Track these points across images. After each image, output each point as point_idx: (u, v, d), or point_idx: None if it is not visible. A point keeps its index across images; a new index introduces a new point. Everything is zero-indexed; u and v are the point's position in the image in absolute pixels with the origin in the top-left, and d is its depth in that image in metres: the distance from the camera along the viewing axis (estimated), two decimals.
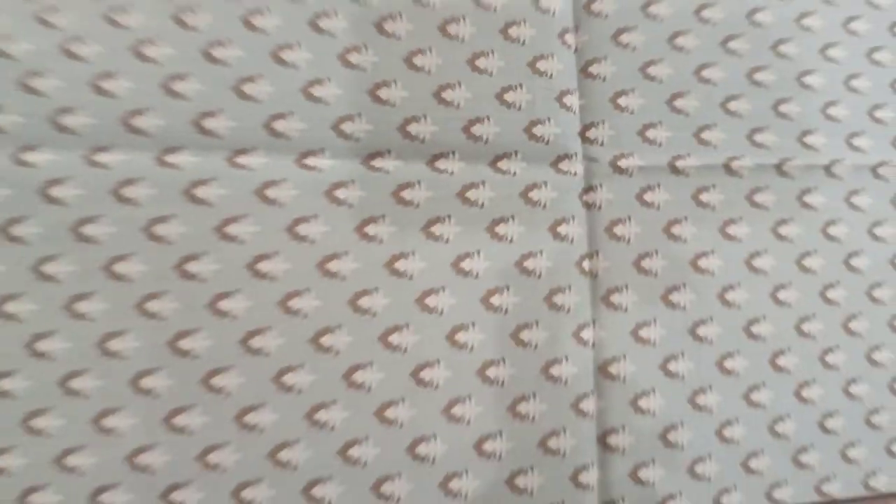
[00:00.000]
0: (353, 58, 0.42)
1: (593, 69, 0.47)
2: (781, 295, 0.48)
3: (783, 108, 0.49)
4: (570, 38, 0.46)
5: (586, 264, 0.45)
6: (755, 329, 0.47)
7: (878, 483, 0.48)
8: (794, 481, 0.47)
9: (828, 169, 0.49)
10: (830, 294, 0.49)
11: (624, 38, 0.48)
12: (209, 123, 0.40)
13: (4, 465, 0.35)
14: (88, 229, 0.38)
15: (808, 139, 0.49)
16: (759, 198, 0.48)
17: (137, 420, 0.37)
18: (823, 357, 0.48)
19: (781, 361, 0.47)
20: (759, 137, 0.49)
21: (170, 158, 0.39)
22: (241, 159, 0.40)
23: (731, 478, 0.46)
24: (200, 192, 0.39)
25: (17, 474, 0.35)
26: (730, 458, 0.46)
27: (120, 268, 0.37)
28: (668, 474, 0.44)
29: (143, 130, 0.38)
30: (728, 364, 0.46)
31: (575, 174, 0.46)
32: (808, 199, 0.49)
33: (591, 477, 0.43)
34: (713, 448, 0.45)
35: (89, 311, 0.37)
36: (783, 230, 0.48)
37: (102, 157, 0.38)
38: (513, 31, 0.46)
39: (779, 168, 0.49)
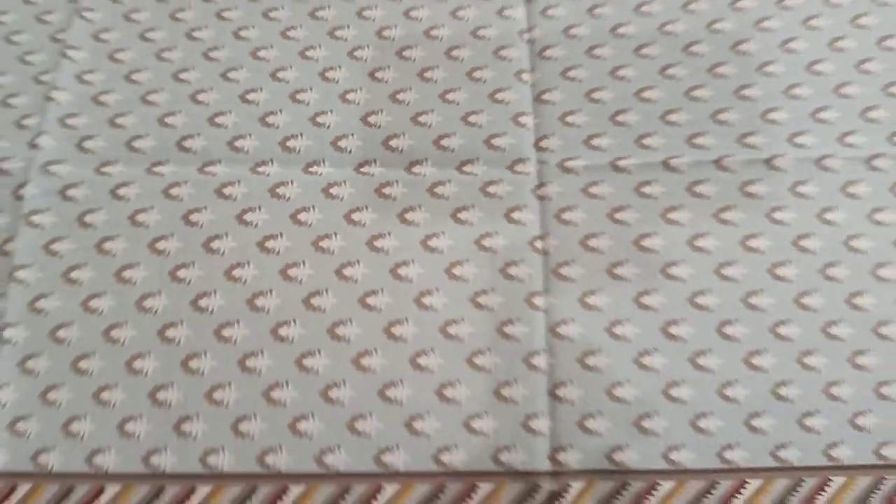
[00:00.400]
0: (350, 96, 0.57)
1: (545, 97, 0.58)
2: (726, 271, 0.52)
3: (722, 116, 0.57)
4: (525, 76, 0.58)
5: (538, 244, 0.53)
6: (700, 300, 0.52)
7: (840, 453, 0.49)
8: (746, 445, 0.49)
9: (769, 162, 0.55)
10: (779, 271, 0.52)
11: (571, 73, 0.59)
12: (239, 143, 0.55)
13: (53, 398, 0.47)
14: (141, 217, 0.52)
15: (748, 139, 0.56)
16: (699, 189, 0.55)
17: (159, 363, 0.48)
18: (775, 328, 0.51)
19: (729, 330, 0.51)
20: (698, 140, 0.56)
21: (207, 168, 0.54)
22: (261, 168, 0.54)
23: (680, 436, 0.48)
24: (227, 190, 0.53)
25: (62, 406, 0.47)
26: (678, 416, 0.49)
27: (161, 245, 0.52)
28: (615, 426, 0.48)
29: (189, 149, 0.54)
30: (673, 330, 0.51)
31: (528, 174, 0.55)
32: (750, 189, 0.55)
33: (542, 424, 0.49)
34: (660, 406, 0.49)
35: (133, 276, 0.51)
36: (726, 215, 0.54)
37: (159, 169, 0.54)
38: (477, 74, 0.58)
39: (718, 163, 0.55)
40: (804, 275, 0.52)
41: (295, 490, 0.46)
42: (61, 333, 0.49)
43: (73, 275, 0.50)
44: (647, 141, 0.55)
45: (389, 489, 0.46)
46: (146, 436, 0.47)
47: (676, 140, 0.55)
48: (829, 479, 0.49)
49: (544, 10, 0.60)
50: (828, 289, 0.51)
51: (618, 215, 0.53)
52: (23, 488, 0.46)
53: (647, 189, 0.54)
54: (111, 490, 0.46)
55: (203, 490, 0.46)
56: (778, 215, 0.53)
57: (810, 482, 0.49)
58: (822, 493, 0.49)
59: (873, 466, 0.49)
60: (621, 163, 0.55)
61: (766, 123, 0.56)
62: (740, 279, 0.52)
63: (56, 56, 0.56)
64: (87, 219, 0.52)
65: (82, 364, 0.48)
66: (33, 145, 0.53)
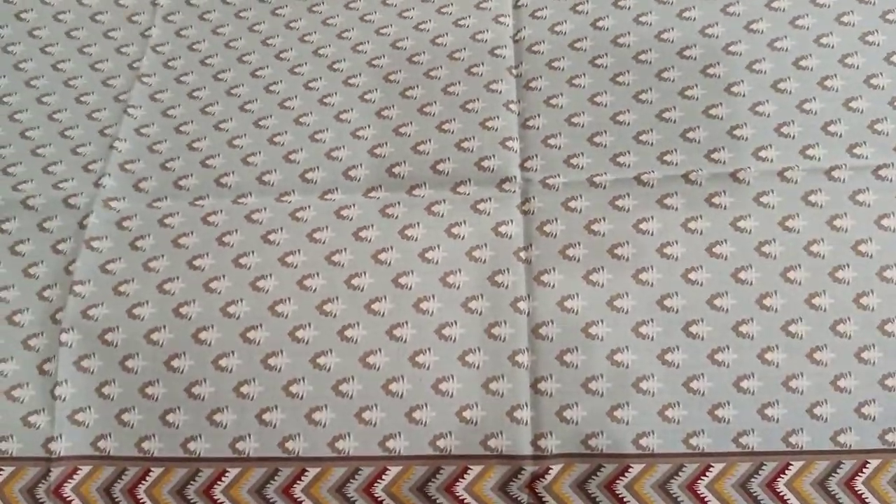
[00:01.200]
0: (360, 133, 0.63)
1: (530, 123, 0.63)
2: (692, 276, 0.56)
3: (691, 134, 0.60)
4: (513, 106, 0.63)
5: (522, 254, 0.58)
6: (667, 302, 0.55)
7: (798, 440, 0.52)
8: (710, 432, 0.52)
9: (733, 175, 0.59)
10: (742, 275, 0.56)
11: (553, 101, 0.63)
12: (266, 178, 0.62)
13: (107, 392, 0.54)
14: (183, 240, 0.60)
15: (715, 155, 0.59)
16: (668, 201, 0.58)
17: (193, 362, 0.55)
18: (737, 327, 0.55)
19: (694, 329, 0.55)
20: (667, 157, 0.60)
21: (241, 200, 0.61)
22: (284, 198, 0.60)
23: (649, 424, 0.52)
24: (255, 216, 0.60)
25: (114, 399, 0.54)
26: (646, 406, 0.53)
27: (197, 262, 0.59)
28: (590, 416, 0.53)
29: (225, 185, 0.61)
30: (643, 330, 0.55)
31: (514, 191, 0.60)
32: (715, 200, 0.58)
33: (524, 414, 0.53)
34: (630, 397, 0.53)
35: (171, 288, 0.58)
36: (693, 225, 0.57)
37: (201, 202, 0.61)
38: (469, 105, 0.63)
39: (686, 177, 0.59)
40: (764, 278, 0.55)
41: (311, 472, 0.51)
42: (109, 336, 0.56)
43: (122, 287, 0.57)
44: (620, 159, 0.59)
45: (392, 470, 0.51)
46: (183, 425, 0.53)
47: (648, 157, 0.59)
48: (789, 464, 0.51)
49: (530, 47, 0.65)
50: (787, 290, 0.55)
51: (594, 226, 0.57)
52: (84, 470, 0.52)
53: (620, 202, 0.58)
54: (156, 472, 0.52)
55: (233, 472, 0.52)
56: (742, 224, 0.56)
57: (770, 466, 0.51)
58: (783, 476, 0.52)
59: (831, 452, 0.52)
60: (597, 179, 0.59)
61: (733, 139, 0.59)
62: (705, 283, 0.55)
63: (119, 113, 0.65)
64: (138, 243, 0.59)
65: (129, 363, 0.55)
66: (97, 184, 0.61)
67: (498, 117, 0.61)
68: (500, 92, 0.62)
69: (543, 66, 0.64)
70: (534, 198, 0.59)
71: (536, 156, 0.60)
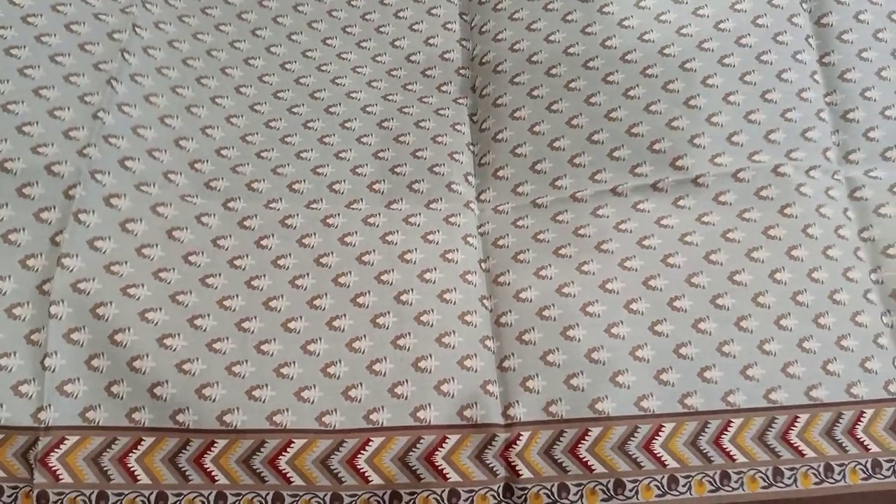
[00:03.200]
0: (342, 154, 0.65)
1: (484, 160, 0.66)
2: (628, 263, 0.59)
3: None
4: (471, 147, 0.67)
5: (483, 264, 0.61)
6: (609, 286, 0.59)
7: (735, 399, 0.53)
8: (658, 395, 0.53)
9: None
10: (670, 260, 0.59)
11: (499, 136, 0.68)
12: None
13: (96, 364, 0.52)
14: (177, 234, 0.59)
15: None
16: (600, 211, 0.62)
17: (187, 343, 0.54)
18: (672, 303, 0.57)
19: (634, 307, 0.57)
20: (598, 176, 0.64)
21: (230, 205, 0.62)
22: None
23: (602, 390, 0.53)
24: (247, 222, 0.60)
25: (104, 371, 0.52)
26: (598, 374, 0.54)
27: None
28: (549, 384, 0.54)
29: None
30: (590, 309, 0.57)
31: (475, 212, 0.64)
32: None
33: (494, 388, 0.54)
34: (584, 367, 0.55)
35: (168, 277, 0.56)
36: (623, 226, 0.61)
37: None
38: (439, 139, 0.67)
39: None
40: (690, 262, 0.60)
41: (298, 443, 0.50)
42: (101, 311, 0.51)
43: (115, 268, 0.53)
44: (558, 182, 0.63)
45: (376, 441, 0.50)
46: (171, 398, 0.50)
47: (581, 179, 0.63)
48: (730, 421, 0.52)
49: (481, 94, 0.71)
50: (712, 271, 0.59)
51: (539, 236, 0.61)
52: (71, 440, 0.49)
53: (560, 217, 0.61)
54: (147, 441, 0.49)
55: (221, 443, 0.50)
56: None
57: (714, 424, 0.52)
58: (726, 432, 0.52)
59: (764, 409, 0.52)
60: (539, 200, 0.63)
61: (653, 154, 0.63)
62: (639, 269, 0.59)
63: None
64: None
65: (118, 337, 0.51)
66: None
67: (462, 153, 0.66)
68: (464, 133, 0.67)
69: (491, 106, 0.69)
70: (488, 221, 0.62)
71: (489, 188, 0.64)
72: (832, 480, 0.52)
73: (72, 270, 0.52)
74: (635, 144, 0.65)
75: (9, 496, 0.47)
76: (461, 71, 0.73)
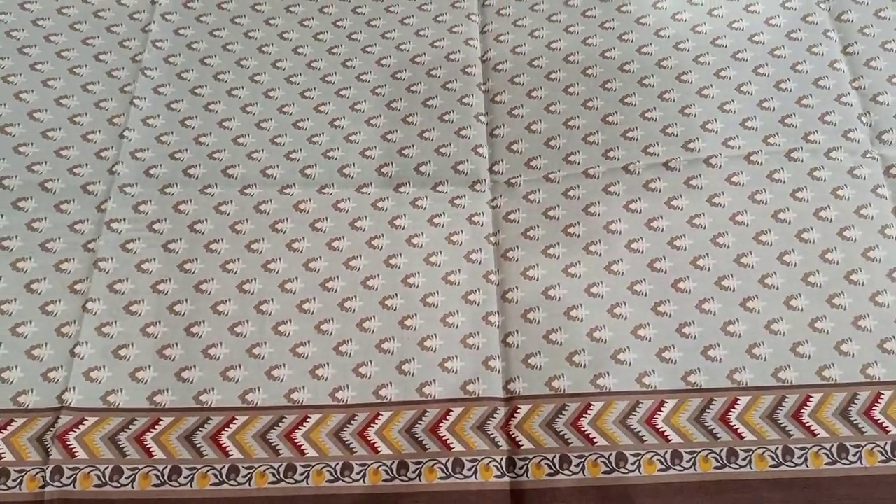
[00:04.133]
0: (352, 137, 0.67)
1: (496, 132, 0.68)
2: (635, 245, 0.59)
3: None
4: (482, 118, 0.68)
5: (492, 238, 0.61)
6: (614, 268, 0.59)
7: (742, 377, 0.52)
8: (660, 372, 0.53)
9: (666, 164, 0.62)
10: (678, 243, 0.59)
11: (515, 111, 0.68)
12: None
13: (124, 354, 0.57)
14: (198, 226, 0.63)
15: (651, 149, 0.63)
16: (612, 188, 0.62)
17: (211, 328, 0.58)
18: (676, 284, 0.57)
19: (638, 287, 0.57)
20: (611, 153, 0.64)
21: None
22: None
23: (604, 367, 0.54)
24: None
25: (131, 359, 0.56)
26: (600, 352, 0.55)
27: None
28: (551, 361, 0.55)
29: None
30: (595, 290, 0.58)
31: (484, 190, 0.64)
32: (652, 185, 0.62)
33: (496, 363, 0.55)
34: (585, 345, 0.55)
35: (192, 268, 0.60)
36: (634, 206, 0.61)
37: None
38: (446, 117, 0.69)
39: (625, 168, 0.63)
40: (697, 244, 0.58)
41: (313, 418, 0.53)
42: (134, 308, 0.56)
43: (145, 266, 0.58)
44: (571, 157, 0.63)
45: (385, 415, 0.53)
46: (198, 380, 0.54)
47: (594, 155, 0.63)
48: (737, 399, 0.52)
49: (495, 66, 0.70)
50: (718, 253, 0.57)
51: (550, 212, 0.61)
52: (90, 420, 0.52)
53: (571, 192, 0.61)
54: (165, 421, 0.52)
55: (241, 419, 0.53)
56: (675, 202, 0.59)
57: (720, 401, 0.52)
58: (733, 409, 0.52)
59: (774, 388, 0.52)
60: (552, 175, 0.63)
61: (666, 136, 0.64)
62: (645, 251, 0.58)
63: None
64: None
65: (150, 329, 0.56)
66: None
67: (470, 126, 0.66)
68: (472, 105, 0.68)
69: (507, 81, 0.69)
70: (500, 195, 0.62)
71: (502, 160, 0.64)
72: (846, 461, 0.51)
73: (108, 272, 0.58)
74: (649, 127, 0.65)
75: (14, 480, 0.50)
76: (470, 42, 0.72)
